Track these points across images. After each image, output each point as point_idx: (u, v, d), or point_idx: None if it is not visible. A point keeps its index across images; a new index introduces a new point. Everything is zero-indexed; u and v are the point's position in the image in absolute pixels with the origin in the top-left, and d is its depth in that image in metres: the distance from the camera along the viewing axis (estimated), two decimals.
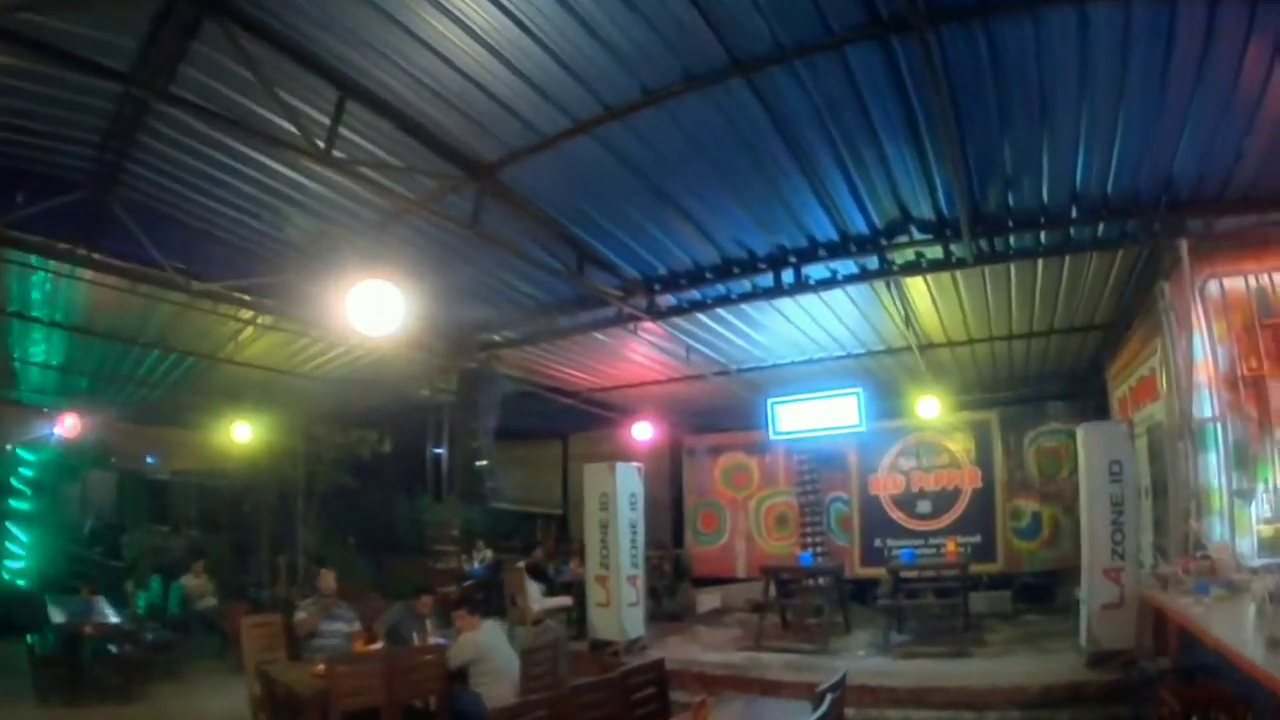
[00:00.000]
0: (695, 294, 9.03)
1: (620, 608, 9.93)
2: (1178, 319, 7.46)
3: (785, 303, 9.14)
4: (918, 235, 7.56)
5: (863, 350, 11.09)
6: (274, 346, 10.51)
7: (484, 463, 12.01)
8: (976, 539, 12.97)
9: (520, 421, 15.33)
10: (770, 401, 12.47)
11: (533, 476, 18.20)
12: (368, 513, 15.62)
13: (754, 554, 14.74)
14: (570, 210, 7.21)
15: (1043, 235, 7.56)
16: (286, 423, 13.80)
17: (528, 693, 6.07)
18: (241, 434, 12.99)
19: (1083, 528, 8.33)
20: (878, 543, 13.71)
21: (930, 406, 11.52)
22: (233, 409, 12.88)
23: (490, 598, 11.27)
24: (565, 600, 11.29)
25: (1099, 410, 12.21)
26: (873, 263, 8.11)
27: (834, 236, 7.69)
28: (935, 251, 7.78)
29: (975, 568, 11.48)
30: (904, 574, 11.05)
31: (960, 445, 13.46)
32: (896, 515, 13.73)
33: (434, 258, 7.91)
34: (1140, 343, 8.94)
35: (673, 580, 14.57)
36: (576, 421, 15.74)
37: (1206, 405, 7.20)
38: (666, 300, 9.20)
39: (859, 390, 11.69)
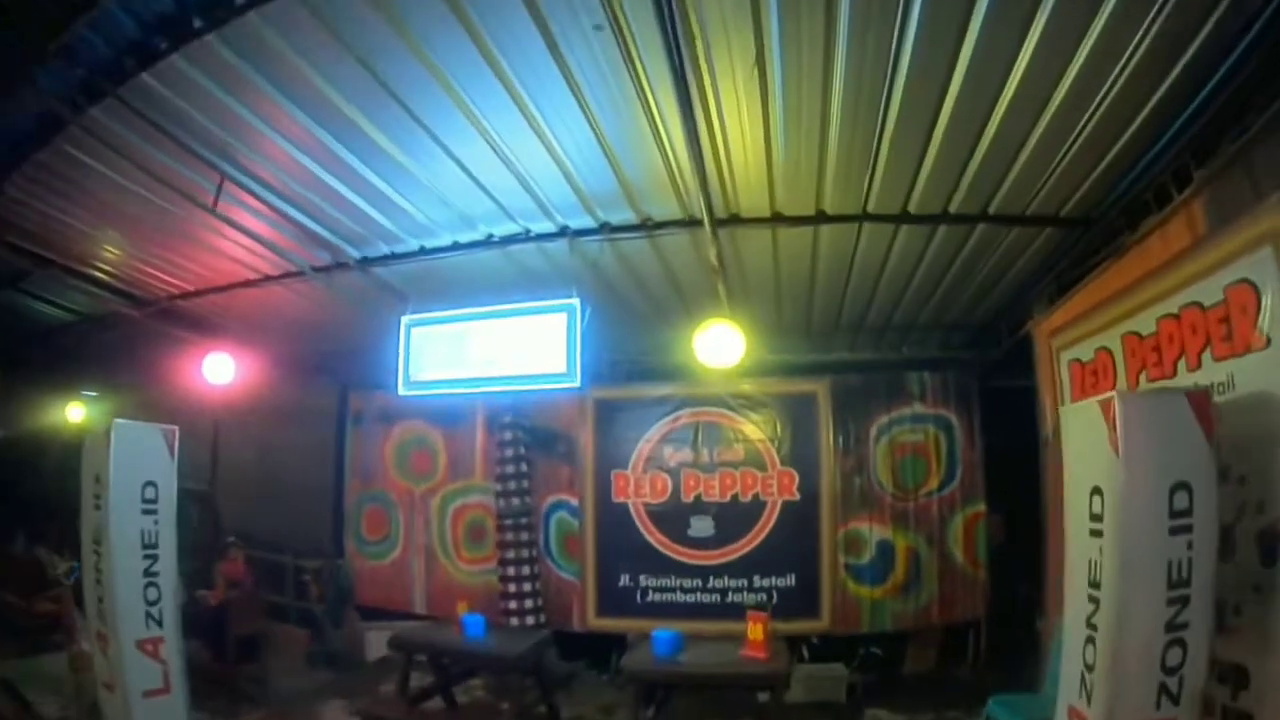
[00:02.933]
0: None
1: (128, 696, 4.90)
2: None
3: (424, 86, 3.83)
4: None
5: (594, 223, 5.58)
6: None
7: None
8: (788, 581, 8.07)
9: (163, 366, 9.58)
10: (405, 321, 6.39)
11: (183, 440, 11.65)
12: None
13: (438, 582, 9.22)
14: None
15: None
16: None
17: None
18: None
19: (1101, 626, 3.50)
20: (625, 580, 8.42)
21: (722, 343, 5.93)
22: None
23: None
24: None
25: (992, 390, 8.21)
26: None
27: None
28: None
29: (788, 625, 7.27)
30: (666, 671, 5.79)
31: (765, 430, 8.37)
32: (656, 538, 8.42)
33: None
34: (1190, 229, 3.98)
35: (334, 606, 9.40)
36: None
37: None
38: None
39: (575, 302, 5.76)
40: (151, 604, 5.13)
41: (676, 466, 8.38)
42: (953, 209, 5.13)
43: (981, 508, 7.98)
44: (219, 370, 7.89)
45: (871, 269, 6.14)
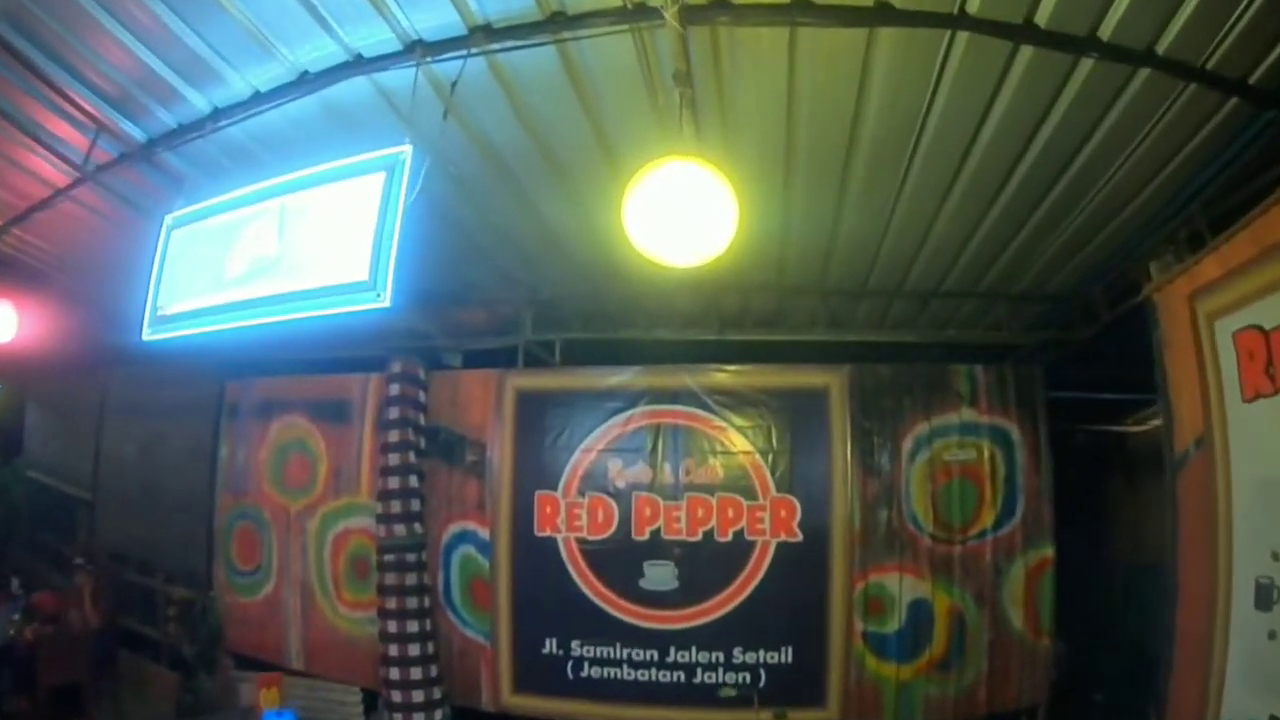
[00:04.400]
0: None
1: None
2: None
3: None
4: None
5: (460, 24, 3.11)
6: None
7: None
8: (782, 656, 5.75)
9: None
10: (168, 222, 3.91)
11: (70, 435, 9.90)
12: None
13: (317, 629, 6.77)
14: None
15: None
16: None
17: None
18: None
19: None
20: (551, 645, 5.96)
21: (686, 202, 2.90)
22: None
23: None
24: None
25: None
26: None
27: None
28: None
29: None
30: None
31: (755, 440, 5.99)
32: (595, 589, 5.96)
33: None
34: None
35: (207, 646, 7.21)
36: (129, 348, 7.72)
37: None
38: None
39: (403, 152, 3.10)
40: None
41: (626, 489, 5.94)
42: (1105, 34, 2.83)
43: (1049, 552, 5.73)
44: None
45: (957, 133, 3.60)
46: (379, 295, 2.90)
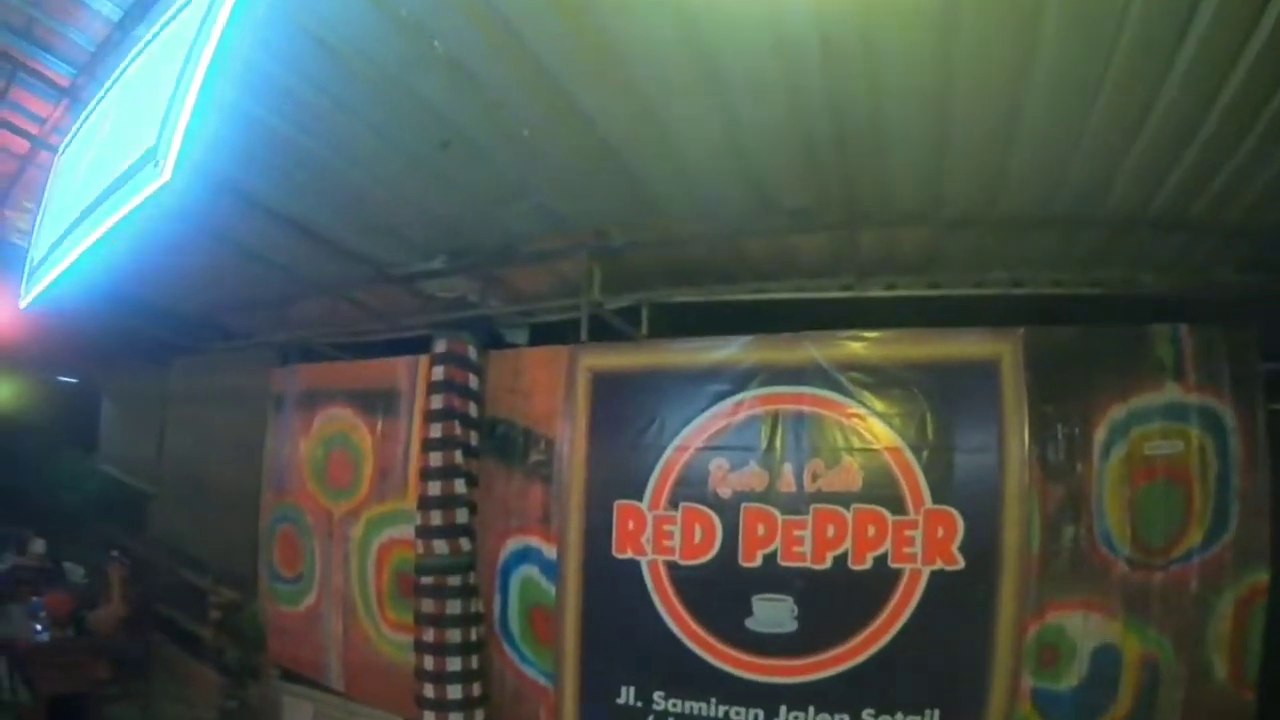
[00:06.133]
0: None
1: None
2: None
3: None
4: None
5: None
6: None
7: None
8: None
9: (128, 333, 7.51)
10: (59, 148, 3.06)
11: (138, 430, 9.24)
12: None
13: (357, 650, 5.58)
14: None
15: None
16: None
17: None
18: None
19: None
20: (628, 695, 4.33)
21: None
22: None
23: None
24: None
25: None
26: None
27: None
28: None
29: None
30: None
31: (903, 430, 4.14)
32: (689, 628, 4.29)
33: None
34: None
35: (251, 653, 6.53)
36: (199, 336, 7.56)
37: None
38: None
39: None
40: None
41: (732, 498, 4.24)
42: None
43: (1263, 577, 3.87)
44: None
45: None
46: (157, 166, 1.72)
